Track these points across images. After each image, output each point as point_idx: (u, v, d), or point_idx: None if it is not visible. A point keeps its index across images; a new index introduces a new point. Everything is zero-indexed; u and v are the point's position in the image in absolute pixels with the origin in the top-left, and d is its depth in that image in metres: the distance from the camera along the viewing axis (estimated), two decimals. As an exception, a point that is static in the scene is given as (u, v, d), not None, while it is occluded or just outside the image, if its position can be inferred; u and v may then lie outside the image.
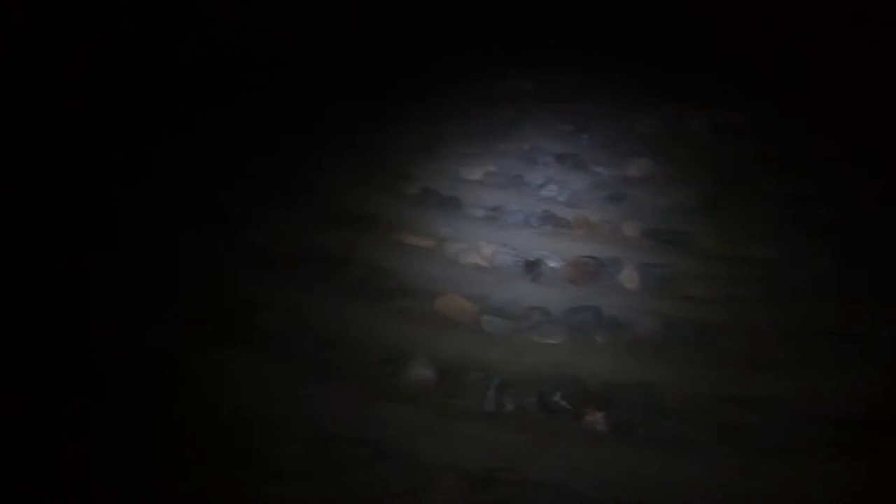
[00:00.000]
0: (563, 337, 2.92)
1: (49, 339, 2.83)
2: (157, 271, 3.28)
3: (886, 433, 2.35)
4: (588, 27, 7.19)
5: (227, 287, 3.19)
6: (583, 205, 3.99)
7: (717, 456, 2.35)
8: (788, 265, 3.35)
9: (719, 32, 6.60)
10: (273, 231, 3.63)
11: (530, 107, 5.40)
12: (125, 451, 2.34)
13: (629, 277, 3.29)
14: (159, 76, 5.59)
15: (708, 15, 6.95)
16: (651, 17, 7.18)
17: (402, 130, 4.93)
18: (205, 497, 2.20)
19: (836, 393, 2.57)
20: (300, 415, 2.49)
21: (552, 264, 3.40)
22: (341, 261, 3.37)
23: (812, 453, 2.33)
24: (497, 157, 4.56)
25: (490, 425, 2.50)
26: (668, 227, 3.70)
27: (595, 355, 2.83)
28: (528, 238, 3.66)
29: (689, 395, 2.58)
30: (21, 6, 5.87)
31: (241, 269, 3.34)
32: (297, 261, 3.40)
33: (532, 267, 3.39)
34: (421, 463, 2.30)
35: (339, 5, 7.30)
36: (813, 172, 4.18)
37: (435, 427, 2.47)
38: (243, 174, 4.22)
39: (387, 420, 2.49)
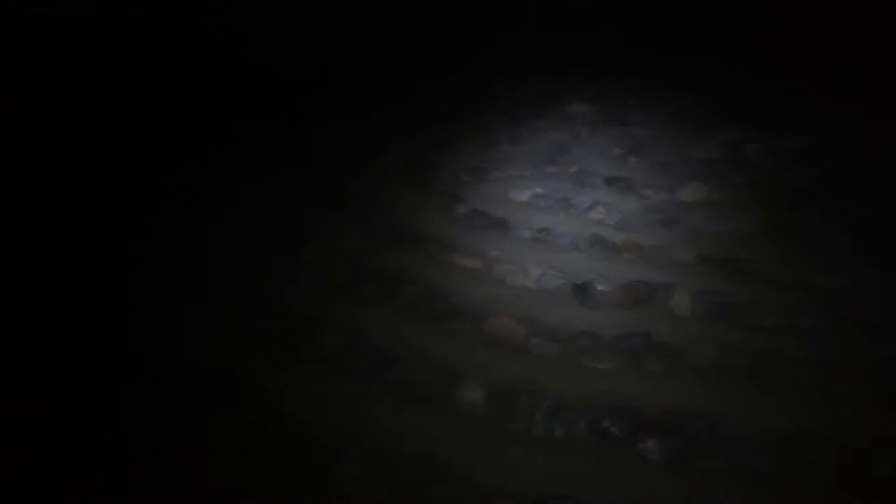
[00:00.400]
0: (614, 362, 2.87)
1: (111, 345, 2.93)
2: (216, 285, 3.36)
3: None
4: (649, 37, 7.13)
5: (286, 303, 3.25)
6: (632, 228, 3.95)
7: (780, 488, 2.28)
8: (854, 294, 3.24)
9: (781, 48, 6.47)
10: (329, 249, 3.70)
11: (581, 129, 5.40)
12: (186, 461, 2.39)
13: (681, 303, 3.23)
14: (215, 93, 5.80)
15: (770, 30, 6.82)
16: (714, 27, 7.06)
17: (454, 151, 4.99)
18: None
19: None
20: (358, 433, 2.51)
21: (601, 287, 3.36)
22: (395, 280, 3.40)
23: (880, 487, 2.25)
24: (544, 179, 4.57)
25: (540, 449, 2.47)
26: (724, 252, 3.63)
27: (647, 382, 2.77)
28: (576, 261, 3.64)
29: (750, 425, 2.50)
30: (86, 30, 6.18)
31: (300, 285, 3.41)
32: (353, 279, 3.45)
33: (580, 290, 3.35)
34: (473, 485, 2.27)
35: (390, 27, 7.45)
36: (879, 198, 4.05)
37: (486, 449, 2.46)
38: (301, 192, 4.32)
39: (440, 440, 2.49)
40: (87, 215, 3.97)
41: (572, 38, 7.37)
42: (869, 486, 2.25)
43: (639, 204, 4.23)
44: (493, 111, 5.75)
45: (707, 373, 2.80)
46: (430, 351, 2.94)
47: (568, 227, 3.94)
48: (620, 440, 2.48)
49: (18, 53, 6.50)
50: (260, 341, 2.99)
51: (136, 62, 6.26)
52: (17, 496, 2.26)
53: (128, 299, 3.28)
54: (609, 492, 2.29)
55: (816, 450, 2.35)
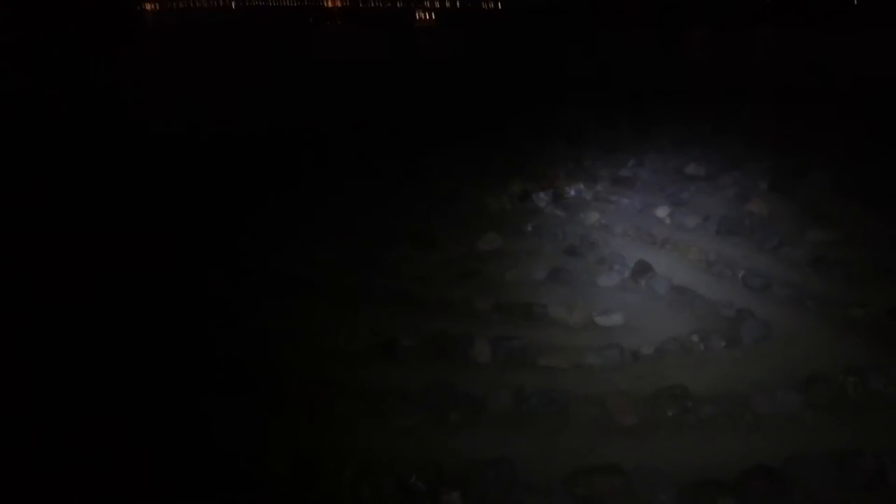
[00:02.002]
0: (418, 417, 2.89)
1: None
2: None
3: (731, 493, 2.46)
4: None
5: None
6: (435, 282, 4.04)
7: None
8: (630, 330, 3.52)
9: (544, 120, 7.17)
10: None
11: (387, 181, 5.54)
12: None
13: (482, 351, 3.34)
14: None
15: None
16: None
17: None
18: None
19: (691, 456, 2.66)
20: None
21: (406, 343, 3.40)
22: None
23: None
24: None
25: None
26: (518, 299, 3.81)
27: (449, 433, 2.82)
28: (386, 317, 3.66)
29: (544, 467, 2.60)
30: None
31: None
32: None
33: (387, 347, 3.38)
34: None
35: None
36: (647, 238, 4.49)
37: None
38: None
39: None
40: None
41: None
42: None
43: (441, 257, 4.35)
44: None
45: (505, 418, 2.89)
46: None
47: (375, 286, 3.96)
48: (427, 496, 2.49)
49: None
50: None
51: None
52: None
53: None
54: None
55: (603, 484, 2.48)
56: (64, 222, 4.86)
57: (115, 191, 5.50)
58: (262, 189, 5.57)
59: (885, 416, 2.81)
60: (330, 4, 31.69)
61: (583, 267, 4.16)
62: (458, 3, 26.11)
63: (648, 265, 4.02)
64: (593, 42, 13.01)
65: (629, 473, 2.53)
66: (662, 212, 4.87)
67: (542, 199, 5.18)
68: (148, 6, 30.28)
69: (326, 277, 4.05)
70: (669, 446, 2.74)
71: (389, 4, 28.57)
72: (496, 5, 24.89)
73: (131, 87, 9.81)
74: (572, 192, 5.30)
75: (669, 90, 8.81)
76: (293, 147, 6.80)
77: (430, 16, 24.75)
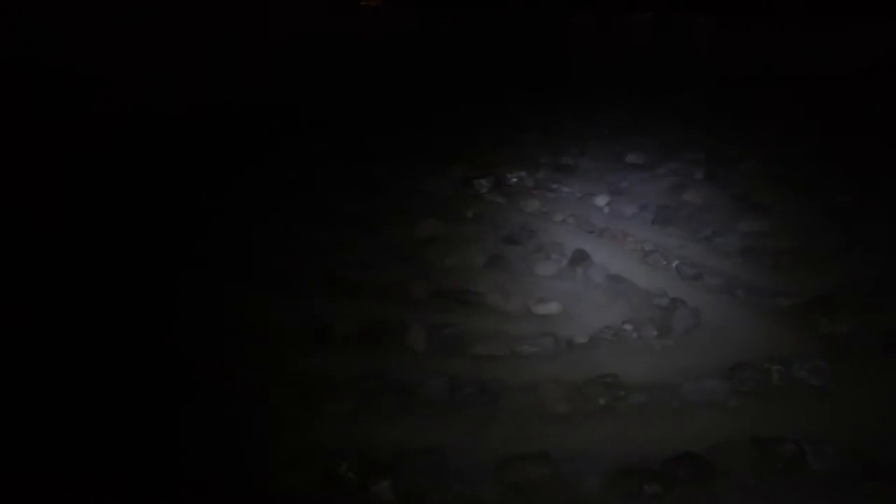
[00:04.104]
0: (350, 404, 2.85)
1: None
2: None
3: (656, 479, 2.50)
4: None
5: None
6: (373, 266, 3.99)
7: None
8: (566, 319, 3.54)
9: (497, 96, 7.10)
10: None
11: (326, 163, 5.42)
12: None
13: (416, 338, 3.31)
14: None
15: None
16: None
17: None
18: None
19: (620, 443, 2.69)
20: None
21: (340, 329, 3.34)
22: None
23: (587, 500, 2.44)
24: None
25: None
26: (456, 285, 3.79)
27: (380, 421, 2.79)
28: (320, 302, 3.60)
29: (475, 455, 2.60)
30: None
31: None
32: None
33: (320, 334, 3.32)
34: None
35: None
36: (586, 227, 4.53)
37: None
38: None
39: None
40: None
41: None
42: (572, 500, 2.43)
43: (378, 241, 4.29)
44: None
45: (437, 406, 2.87)
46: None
47: (310, 270, 3.88)
48: (356, 485, 2.46)
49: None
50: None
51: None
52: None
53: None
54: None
55: (532, 472, 2.49)
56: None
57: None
58: (193, 171, 5.40)
59: (807, 403, 2.90)
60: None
61: (521, 255, 4.15)
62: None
63: (586, 254, 4.05)
64: (537, 23, 13.03)
65: (559, 461, 2.55)
66: (601, 200, 4.92)
67: (483, 185, 5.16)
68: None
69: (259, 260, 3.95)
70: (600, 434, 2.76)
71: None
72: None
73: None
74: (513, 180, 5.29)
75: (613, 75, 8.90)
76: (229, 126, 6.61)
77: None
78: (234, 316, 3.45)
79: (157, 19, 13.72)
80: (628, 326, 3.40)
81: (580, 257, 4.03)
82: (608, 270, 3.92)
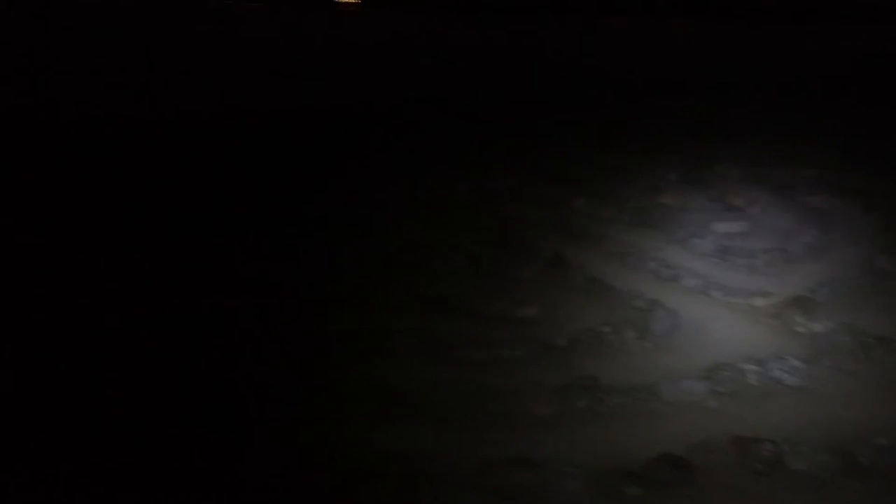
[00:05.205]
0: (331, 410, 2.82)
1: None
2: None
3: (636, 481, 2.50)
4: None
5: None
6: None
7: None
8: (546, 322, 3.54)
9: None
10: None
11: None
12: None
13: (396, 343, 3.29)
14: None
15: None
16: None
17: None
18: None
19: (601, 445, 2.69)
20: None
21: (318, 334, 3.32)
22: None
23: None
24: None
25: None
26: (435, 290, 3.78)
27: (359, 429, 2.75)
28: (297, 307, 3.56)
29: (455, 460, 2.58)
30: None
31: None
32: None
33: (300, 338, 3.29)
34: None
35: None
36: (563, 231, 4.54)
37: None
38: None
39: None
40: None
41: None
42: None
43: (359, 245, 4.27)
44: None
45: (418, 411, 2.85)
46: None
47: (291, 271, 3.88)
48: (337, 491, 2.43)
49: None
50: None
51: None
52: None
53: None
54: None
55: (513, 476, 2.48)
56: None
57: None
58: (179, 178, 5.35)
59: (783, 402, 2.92)
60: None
61: (501, 258, 4.16)
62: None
63: (564, 257, 4.05)
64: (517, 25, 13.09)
65: (540, 464, 2.54)
66: (578, 203, 4.93)
67: (464, 187, 5.16)
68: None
69: (238, 266, 3.92)
70: (580, 436, 2.75)
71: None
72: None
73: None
74: (492, 183, 5.29)
75: (593, 76, 8.97)
76: (221, 131, 6.56)
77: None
78: (211, 324, 3.40)
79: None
80: (607, 328, 3.41)
81: (558, 260, 4.03)
82: (586, 273, 3.93)
